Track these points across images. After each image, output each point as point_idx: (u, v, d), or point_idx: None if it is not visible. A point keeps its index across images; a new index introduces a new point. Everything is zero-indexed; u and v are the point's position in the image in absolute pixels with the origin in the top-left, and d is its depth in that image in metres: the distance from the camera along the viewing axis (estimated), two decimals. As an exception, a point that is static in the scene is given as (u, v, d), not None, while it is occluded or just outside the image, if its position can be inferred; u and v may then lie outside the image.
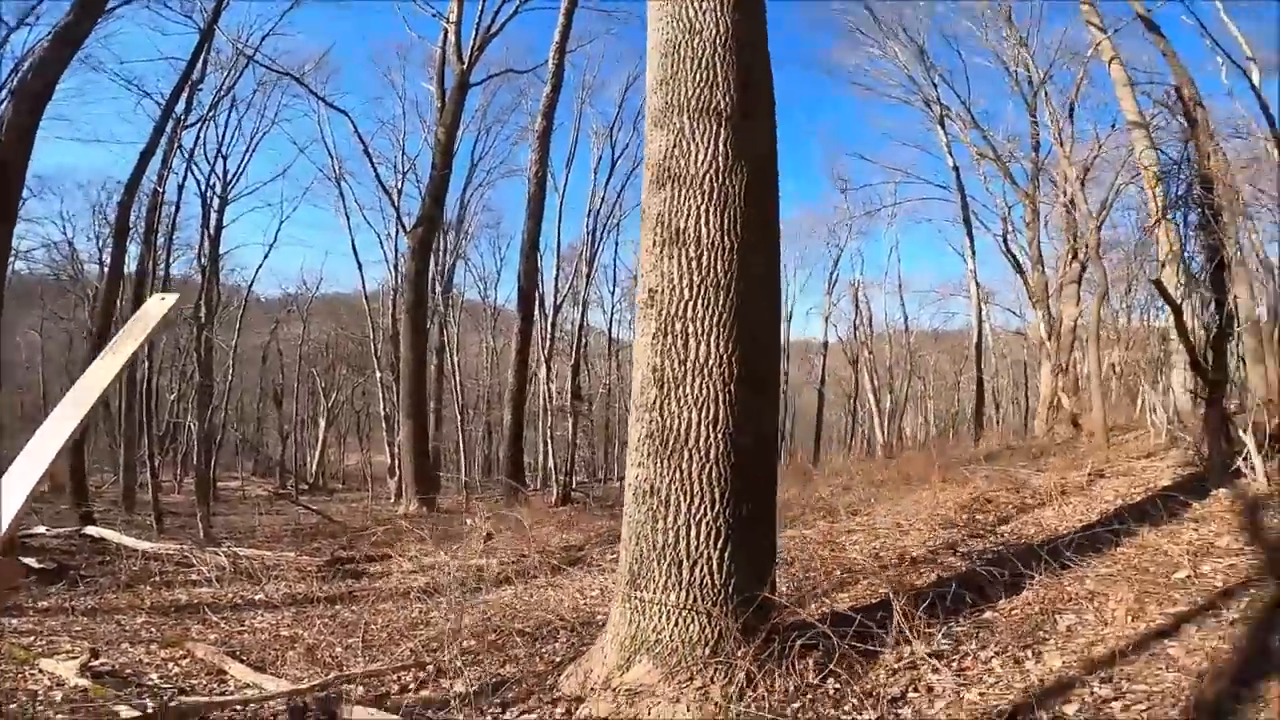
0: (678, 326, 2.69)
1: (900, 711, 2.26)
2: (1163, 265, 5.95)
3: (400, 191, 18.63)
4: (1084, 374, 12.22)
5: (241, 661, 3.30)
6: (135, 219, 13.36)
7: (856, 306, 26.84)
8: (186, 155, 15.05)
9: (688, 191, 2.77)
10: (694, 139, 2.79)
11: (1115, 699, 2.16)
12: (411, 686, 2.98)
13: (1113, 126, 10.45)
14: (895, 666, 2.53)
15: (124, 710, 2.50)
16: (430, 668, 3.15)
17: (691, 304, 2.69)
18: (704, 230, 2.73)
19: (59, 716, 2.51)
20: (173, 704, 2.63)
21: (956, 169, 16.77)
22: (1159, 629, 2.70)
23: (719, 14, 2.86)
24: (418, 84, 19.07)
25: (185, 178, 15.85)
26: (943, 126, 16.40)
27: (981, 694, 2.32)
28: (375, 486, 18.10)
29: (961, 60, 15.84)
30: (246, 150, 18.61)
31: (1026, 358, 24.36)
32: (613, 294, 26.67)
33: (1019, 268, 15.01)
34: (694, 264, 2.71)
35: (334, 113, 16.19)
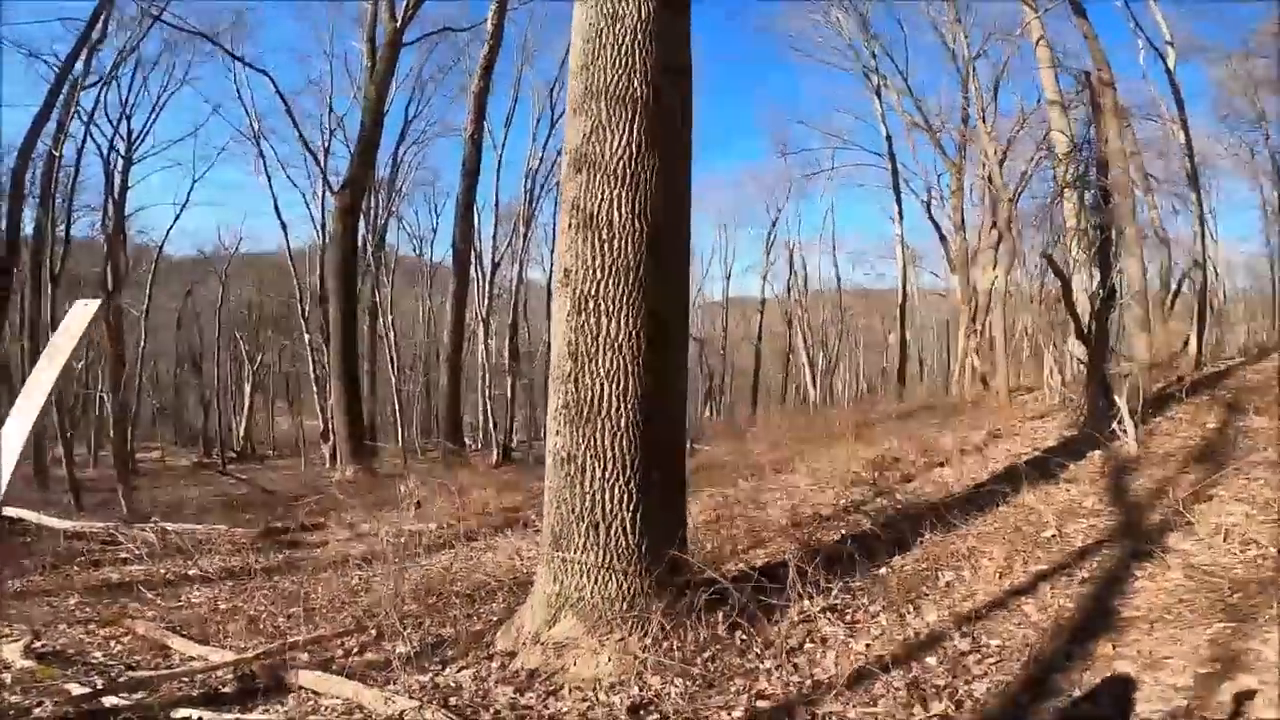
0: (590, 305, 2.86)
1: (797, 660, 2.58)
2: (1057, 240, 6.48)
3: (327, 151, 17.87)
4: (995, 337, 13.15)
5: (183, 636, 3.35)
6: (30, 185, 12.50)
7: (791, 266, 27.54)
8: (86, 117, 14.28)
9: (602, 177, 2.90)
10: (610, 126, 2.90)
11: (972, 652, 2.53)
12: (355, 650, 3.13)
13: (1037, 104, 10.98)
14: (795, 619, 2.86)
15: (74, 688, 2.54)
16: (372, 632, 3.30)
17: (603, 284, 2.85)
18: (616, 215, 2.87)
19: (13, 697, 2.53)
20: (122, 679, 2.69)
21: (889, 137, 17.41)
22: (1020, 586, 3.09)
23: (641, 0, 2.92)
24: (348, 41, 17.91)
25: (85, 140, 15.12)
26: (879, 96, 16.88)
27: (867, 645, 2.67)
28: (309, 452, 17.67)
29: (903, 31, 16.24)
30: (153, 110, 17.61)
31: (950, 319, 25.83)
32: (552, 252, 26.28)
33: (941, 234, 15.78)
34: (606, 247, 2.87)
35: (254, 71, 15.01)
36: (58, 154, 11.97)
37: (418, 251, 26.70)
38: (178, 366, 27.75)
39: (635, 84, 2.88)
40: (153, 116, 17.71)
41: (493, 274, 19.48)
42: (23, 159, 9.99)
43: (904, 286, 19.30)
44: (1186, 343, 8.26)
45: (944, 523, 3.94)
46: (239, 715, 2.47)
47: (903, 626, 2.79)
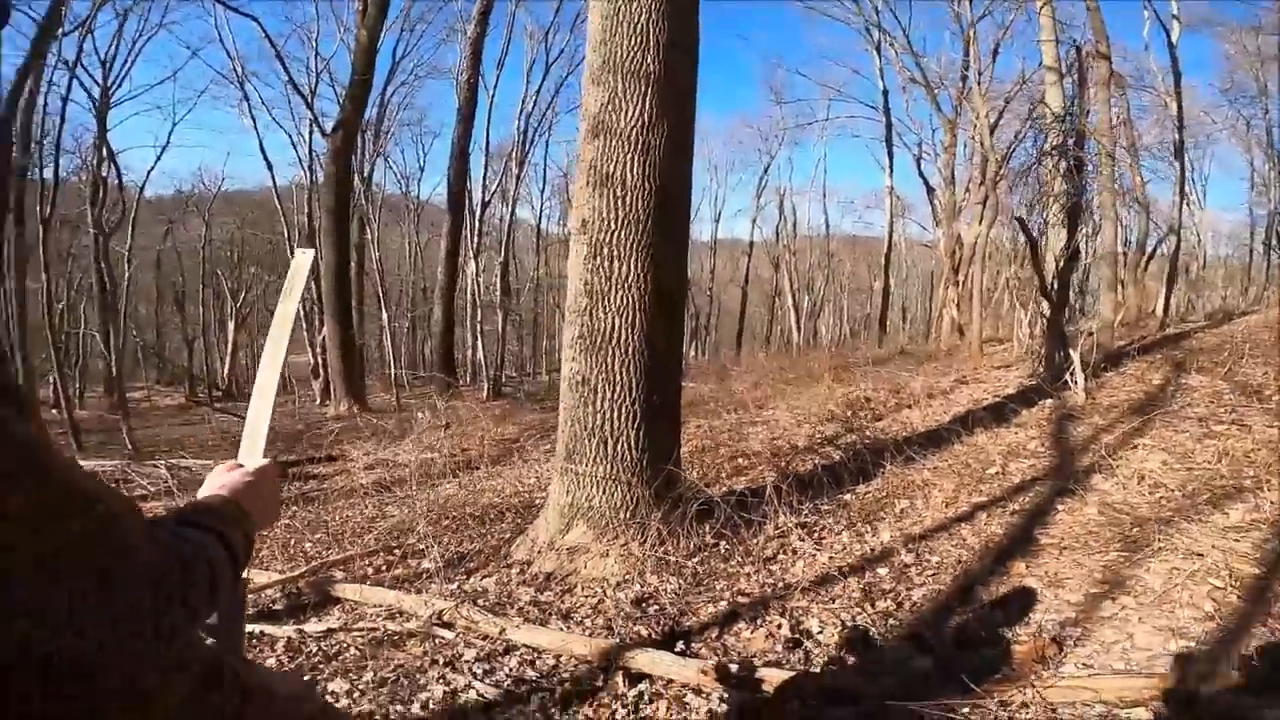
0: (605, 251, 3.22)
1: (771, 568, 3.06)
2: (1035, 202, 6.77)
3: (314, 93, 17.35)
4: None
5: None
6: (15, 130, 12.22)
7: (781, 211, 27.55)
8: (71, 65, 14.01)
9: (617, 143, 3.20)
10: (625, 97, 3.18)
11: (915, 566, 3.00)
12: (383, 568, 3.56)
13: (1038, 67, 10.97)
14: (771, 534, 3.33)
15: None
16: (397, 551, 3.73)
17: (616, 233, 3.21)
18: (628, 175, 3.20)
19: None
20: None
21: (886, 92, 17.50)
22: (962, 514, 3.50)
23: (656, -18, 3.11)
24: None
25: (70, 89, 14.90)
26: (878, 51, 16.85)
27: (830, 558, 3.14)
28: (299, 389, 17.92)
29: None
30: (129, 55, 16.86)
31: (934, 269, 26.21)
32: (542, 192, 26.12)
33: (929, 188, 15.94)
34: (619, 202, 3.21)
35: (238, 15, 14.36)
36: (45, 103, 11.86)
37: (404, 190, 26.35)
38: (158, 305, 27.41)
39: (648, 60, 3.13)
40: (129, 61, 17.09)
41: (482, 212, 19.32)
42: (10, 109, 9.72)
43: (890, 236, 19.56)
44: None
45: (904, 457, 4.33)
46: (297, 626, 2.82)
47: (861, 543, 3.27)
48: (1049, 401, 5.50)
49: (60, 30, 11.66)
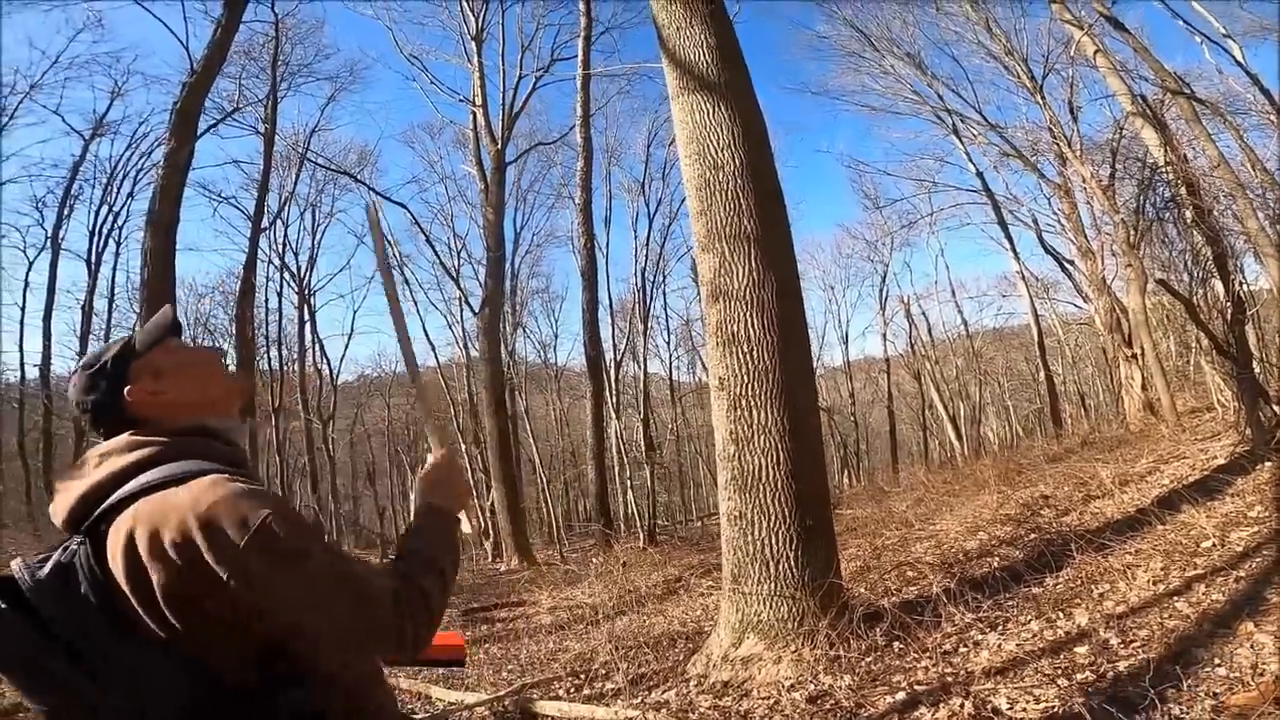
0: (743, 402, 3.63)
1: (952, 660, 2.94)
2: (1167, 266, 6.22)
3: (459, 272, 19.79)
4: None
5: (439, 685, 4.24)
6: (228, 321, 15.46)
7: (910, 319, 26.80)
8: (274, 258, 17.38)
9: (735, 304, 3.73)
10: (734, 260, 3.75)
11: (1118, 642, 2.75)
12: (573, 689, 3.84)
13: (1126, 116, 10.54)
14: (949, 631, 3.21)
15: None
16: (583, 675, 4.00)
17: (750, 385, 3.64)
18: (750, 332, 3.68)
19: None
20: (415, 717, 3.57)
21: (980, 174, 16.65)
22: (1174, 589, 3.19)
23: (734, 149, 3.83)
24: (454, 162, 20.77)
25: (270, 278, 18.21)
26: (957, 135, 16.29)
27: (1018, 645, 2.97)
28: (471, 549, 19.32)
29: (961, 66, 15.70)
30: (313, 245, 20.38)
31: (1106, 346, 23.53)
32: (668, 343, 27.43)
33: (1061, 263, 15.01)
34: (748, 357, 3.67)
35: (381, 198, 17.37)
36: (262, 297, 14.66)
37: (542, 357, 28.92)
38: (353, 480, 31.51)
39: (745, 222, 3.73)
40: (315, 250, 20.29)
41: (616, 372, 20.70)
42: (244, 302, 12.44)
43: (1037, 321, 18.23)
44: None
45: (1098, 545, 4.02)
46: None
47: (1053, 629, 3.05)
48: (1267, 464, 4.89)
49: (264, 224, 14.20)
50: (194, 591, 0.81)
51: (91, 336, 15.69)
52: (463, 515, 1.14)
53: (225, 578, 0.80)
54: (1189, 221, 5.42)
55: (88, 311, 15.87)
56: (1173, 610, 2.96)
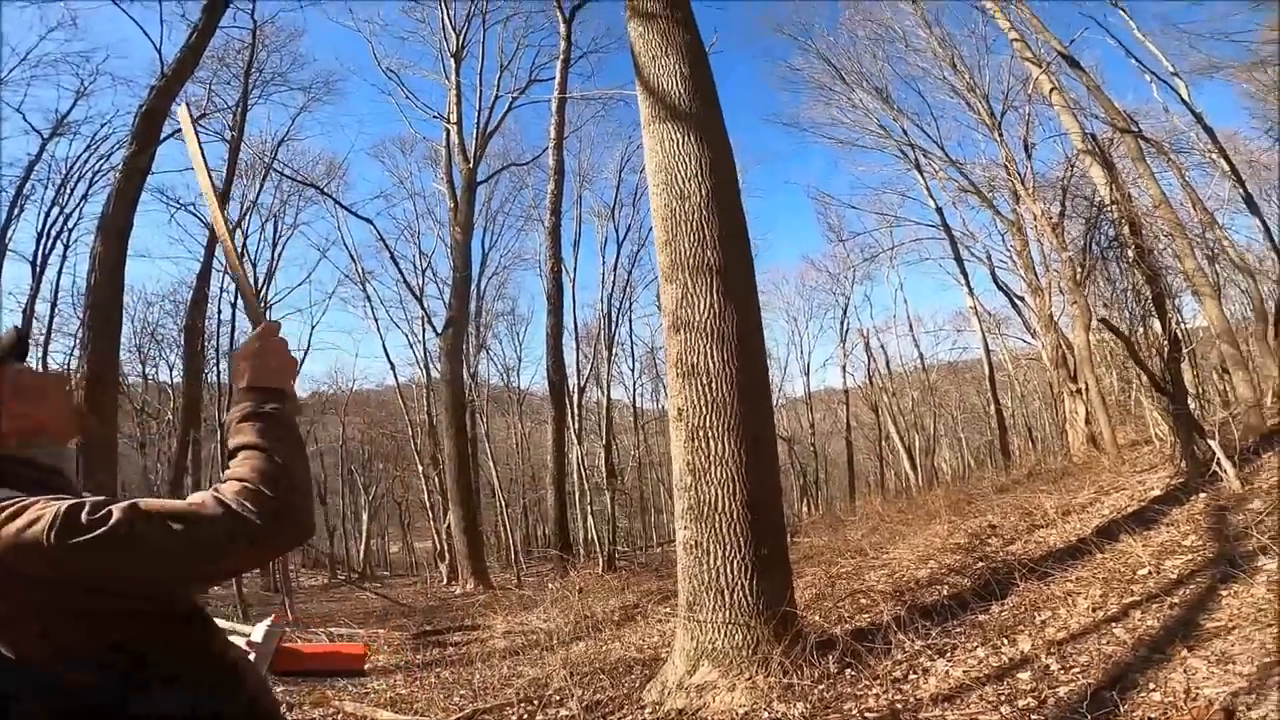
0: (701, 434, 3.68)
1: (902, 688, 2.99)
2: (1108, 304, 6.53)
3: (422, 290, 19.44)
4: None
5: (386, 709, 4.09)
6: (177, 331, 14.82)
7: (869, 352, 27.51)
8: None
9: (696, 336, 3.79)
10: (695, 292, 3.81)
11: (1058, 667, 2.85)
12: (526, 716, 3.75)
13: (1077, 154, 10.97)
14: (899, 659, 3.27)
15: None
16: (537, 701, 3.91)
17: (709, 417, 3.68)
18: (710, 365, 3.74)
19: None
20: None
21: (940, 209, 17.06)
22: (1112, 616, 3.33)
23: (702, 181, 3.93)
24: (424, 179, 20.36)
25: (225, 289, 17.06)
26: (919, 170, 16.77)
27: (965, 672, 3.04)
28: (425, 571, 18.79)
29: (926, 101, 16.32)
30: (273, 257, 19.78)
31: (1052, 381, 24.47)
32: (633, 370, 27.28)
33: (1011, 299, 15.59)
34: (707, 389, 3.72)
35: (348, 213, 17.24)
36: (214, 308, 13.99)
37: (505, 380, 28.30)
38: (303, 499, 30.39)
39: (709, 254, 3.81)
40: (275, 262, 19.64)
41: (579, 397, 20.49)
42: (195, 313, 11.99)
43: (988, 355, 18.90)
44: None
45: (1041, 574, 4.16)
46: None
47: (998, 655, 3.13)
48: (1201, 495, 5.16)
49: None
50: (30, 607, 0.82)
51: (31, 341, 14.88)
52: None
53: (52, 575, 0.80)
54: (1130, 260, 5.74)
55: (29, 316, 15.11)
56: (1111, 636, 3.08)
